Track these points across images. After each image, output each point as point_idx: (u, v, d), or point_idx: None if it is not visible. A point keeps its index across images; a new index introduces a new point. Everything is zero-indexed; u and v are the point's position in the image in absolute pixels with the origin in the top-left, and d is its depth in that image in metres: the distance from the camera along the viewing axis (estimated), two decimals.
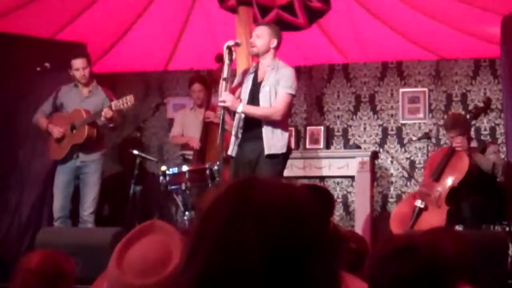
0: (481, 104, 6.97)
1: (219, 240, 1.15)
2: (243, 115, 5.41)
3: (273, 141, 5.35)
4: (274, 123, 5.38)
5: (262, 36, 5.48)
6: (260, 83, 5.48)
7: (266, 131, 5.36)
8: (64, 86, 6.73)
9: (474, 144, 6.33)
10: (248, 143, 5.43)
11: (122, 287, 1.75)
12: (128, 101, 6.23)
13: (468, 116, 6.63)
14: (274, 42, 5.47)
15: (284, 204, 1.18)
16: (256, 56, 5.59)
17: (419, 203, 6.10)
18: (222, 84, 5.36)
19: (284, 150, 5.40)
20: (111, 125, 6.49)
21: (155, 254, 1.78)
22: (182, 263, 1.21)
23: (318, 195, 1.28)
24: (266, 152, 5.32)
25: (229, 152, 5.46)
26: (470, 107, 7.79)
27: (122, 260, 1.78)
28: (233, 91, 5.46)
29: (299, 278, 1.14)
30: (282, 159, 5.44)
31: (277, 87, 5.40)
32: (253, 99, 5.45)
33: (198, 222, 1.21)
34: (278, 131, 5.38)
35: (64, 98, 6.67)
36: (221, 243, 1.14)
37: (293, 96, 5.53)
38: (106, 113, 6.24)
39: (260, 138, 5.36)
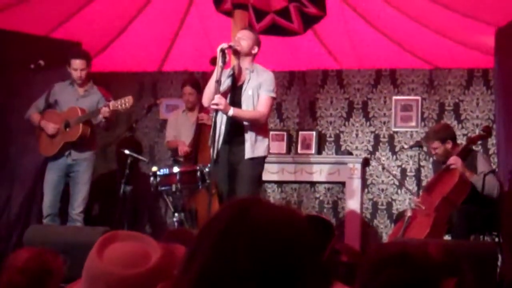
0: (481, 131, 6.94)
1: (212, 253, 1.18)
2: (225, 118, 5.46)
3: (256, 145, 5.51)
4: (257, 128, 5.53)
5: (247, 39, 5.59)
6: (240, 86, 5.58)
7: (250, 135, 5.50)
8: (59, 83, 6.69)
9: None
10: (231, 146, 5.52)
11: (105, 278, 1.76)
12: (127, 102, 6.21)
13: (466, 141, 6.67)
14: (256, 49, 5.61)
15: (278, 227, 1.20)
16: (235, 55, 5.61)
17: (408, 213, 6.13)
18: (215, 87, 5.37)
19: (265, 154, 5.59)
20: (106, 124, 6.48)
21: (135, 249, 1.83)
22: (181, 267, 1.25)
23: (317, 225, 1.31)
24: (248, 155, 5.47)
25: (212, 155, 5.50)
26: (463, 117, 7.82)
27: (103, 253, 1.80)
28: (223, 95, 5.47)
29: None
30: (262, 161, 5.61)
31: (259, 91, 5.53)
32: (234, 102, 5.52)
33: (198, 232, 1.25)
34: (260, 136, 5.55)
35: (58, 96, 6.63)
36: (213, 257, 1.18)
37: (274, 99, 5.75)
38: (104, 112, 6.23)
39: (242, 142, 5.49)
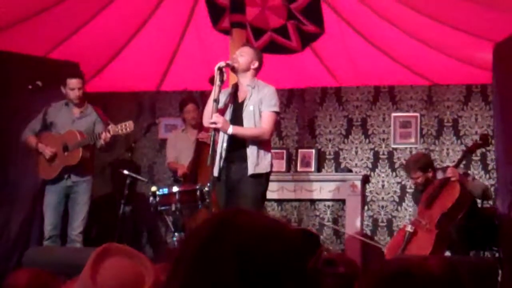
0: (478, 139, 6.96)
1: (196, 262, 1.18)
2: (226, 136, 5.41)
3: (258, 160, 5.40)
4: (258, 144, 5.43)
5: (245, 54, 5.54)
6: (242, 103, 5.50)
7: (251, 151, 5.40)
8: (54, 104, 6.68)
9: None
10: (232, 164, 5.44)
11: None
12: (127, 127, 6.21)
13: (465, 149, 6.71)
14: (256, 64, 5.53)
15: (262, 235, 1.21)
16: (234, 72, 5.59)
17: (409, 228, 6.11)
18: (213, 106, 5.35)
19: (268, 170, 5.47)
20: (106, 147, 6.47)
21: (129, 272, 1.80)
22: (167, 278, 1.25)
23: (303, 236, 1.31)
24: (251, 172, 5.36)
25: (214, 173, 5.45)
26: (462, 133, 7.82)
27: (96, 276, 1.78)
28: (221, 113, 5.44)
29: None
30: (264, 179, 5.48)
31: (261, 106, 5.44)
32: (236, 119, 5.46)
33: (180, 244, 1.25)
34: (262, 151, 5.44)
35: (54, 117, 6.61)
36: (197, 266, 1.18)
37: (278, 113, 5.63)
38: (106, 137, 6.22)
39: (244, 159, 5.39)
